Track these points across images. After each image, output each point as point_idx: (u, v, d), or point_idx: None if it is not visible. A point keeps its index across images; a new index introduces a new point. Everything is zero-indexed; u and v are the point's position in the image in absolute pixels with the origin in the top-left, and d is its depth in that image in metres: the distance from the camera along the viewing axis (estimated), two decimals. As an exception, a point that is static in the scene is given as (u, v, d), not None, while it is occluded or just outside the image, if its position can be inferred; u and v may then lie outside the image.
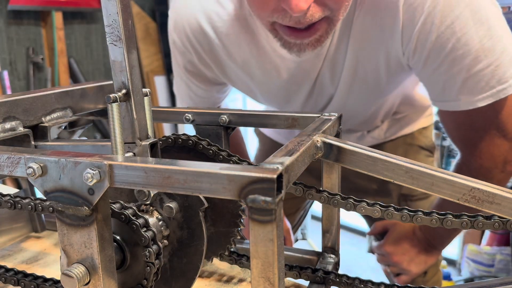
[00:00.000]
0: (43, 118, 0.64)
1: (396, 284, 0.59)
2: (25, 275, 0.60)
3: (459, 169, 0.92)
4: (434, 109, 1.20)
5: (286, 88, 0.95)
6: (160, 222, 0.54)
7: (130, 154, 0.48)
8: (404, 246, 1.03)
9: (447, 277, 2.35)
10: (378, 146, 1.15)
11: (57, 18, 2.64)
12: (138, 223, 0.49)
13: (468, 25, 0.74)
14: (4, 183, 1.29)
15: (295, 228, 1.35)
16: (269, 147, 1.29)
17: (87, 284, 0.43)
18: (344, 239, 2.99)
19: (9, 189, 0.94)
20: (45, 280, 0.58)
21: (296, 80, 0.92)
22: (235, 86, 1.03)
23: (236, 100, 3.31)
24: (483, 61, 0.75)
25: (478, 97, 0.78)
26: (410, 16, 0.76)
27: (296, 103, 1.00)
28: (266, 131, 1.30)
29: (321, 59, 0.87)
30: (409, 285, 0.59)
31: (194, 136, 0.59)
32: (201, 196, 0.53)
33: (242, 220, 0.58)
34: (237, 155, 0.59)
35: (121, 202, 0.51)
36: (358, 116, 1.04)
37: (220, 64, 0.95)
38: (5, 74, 2.47)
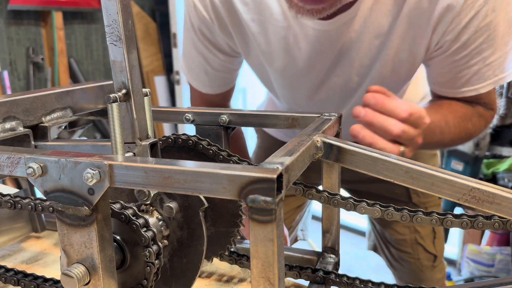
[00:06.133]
0: (43, 118, 0.64)
1: (396, 284, 0.59)
2: (25, 275, 0.60)
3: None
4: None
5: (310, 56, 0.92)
6: (160, 222, 0.54)
7: (130, 154, 0.48)
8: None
9: (447, 277, 2.35)
10: None
11: (57, 18, 2.64)
12: (138, 223, 0.49)
13: (500, 25, 0.81)
14: (4, 183, 1.29)
15: (294, 225, 1.34)
16: (268, 144, 1.29)
17: (87, 284, 0.43)
18: (344, 239, 2.98)
19: (9, 189, 0.94)
20: (45, 280, 0.58)
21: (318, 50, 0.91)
22: (248, 59, 1.01)
23: (236, 100, 3.31)
24: (497, 53, 0.83)
25: (482, 85, 0.86)
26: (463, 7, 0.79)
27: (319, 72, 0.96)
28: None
29: (349, 30, 0.85)
30: (409, 285, 0.60)
31: (194, 136, 0.59)
32: (201, 196, 0.53)
33: (242, 220, 0.58)
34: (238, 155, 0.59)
35: (121, 202, 0.51)
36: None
37: (241, 32, 0.94)
38: (5, 74, 2.47)
